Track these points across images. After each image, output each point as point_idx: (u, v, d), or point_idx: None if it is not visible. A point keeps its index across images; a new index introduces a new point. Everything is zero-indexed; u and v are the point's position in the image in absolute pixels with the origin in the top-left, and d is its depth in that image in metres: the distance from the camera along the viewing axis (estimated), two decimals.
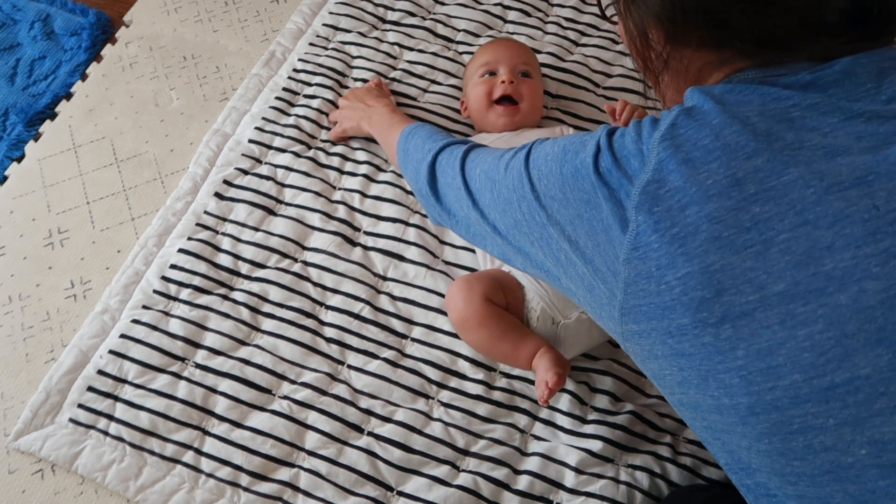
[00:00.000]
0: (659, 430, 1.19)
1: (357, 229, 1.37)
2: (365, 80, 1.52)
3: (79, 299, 1.35)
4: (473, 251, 1.33)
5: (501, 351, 1.16)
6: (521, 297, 1.17)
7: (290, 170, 1.42)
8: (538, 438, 1.18)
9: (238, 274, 1.32)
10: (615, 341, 1.20)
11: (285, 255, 1.33)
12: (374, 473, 1.15)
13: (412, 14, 1.63)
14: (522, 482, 1.15)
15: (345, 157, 1.43)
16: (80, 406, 1.21)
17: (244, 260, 1.33)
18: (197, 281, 1.30)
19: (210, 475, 1.16)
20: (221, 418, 1.19)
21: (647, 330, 0.72)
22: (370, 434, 1.18)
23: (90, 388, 1.22)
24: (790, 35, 0.71)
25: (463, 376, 1.23)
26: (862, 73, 0.70)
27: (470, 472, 1.15)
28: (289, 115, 1.49)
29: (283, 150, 1.44)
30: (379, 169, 1.42)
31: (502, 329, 1.15)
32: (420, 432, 1.18)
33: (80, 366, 1.24)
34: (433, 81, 1.54)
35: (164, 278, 1.31)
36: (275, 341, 1.25)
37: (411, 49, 1.58)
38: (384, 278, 1.32)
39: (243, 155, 1.44)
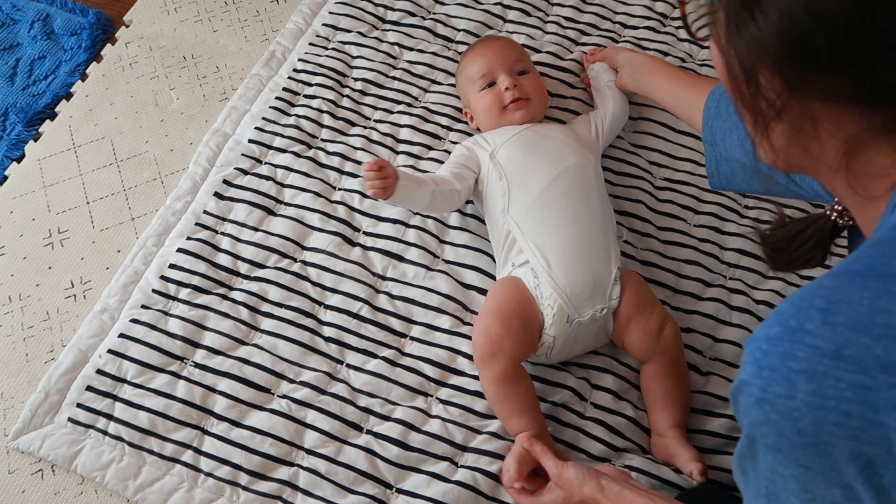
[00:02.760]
0: None
1: (356, 229, 1.36)
2: (366, 80, 1.52)
3: (79, 299, 1.35)
4: (475, 250, 1.32)
5: (497, 409, 1.17)
6: (537, 309, 1.16)
7: (290, 170, 1.42)
8: None
9: (237, 273, 1.32)
10: (615, 341, 1.21)
11: (284, 255, 1.33)
12: (373, 471, 1.15)
13: (412, 14, 1.63)
14: None
15: (345, 157, 1.43)
16: (80, 405, 1.21)
17: (243, 260, 1.33)
18: (196, 280, 1.30)
19: (209, 474, 1.16)
20: (220, 417, 1.19)
21: None
22: (369, 432, 1.18)
23: (89, 388, 1.22)
24: None
25: (462, 373, 1.23)
26: None
27: (468, 467, 1.14)
28: (289, 115, 1.49)
29: (283, 150, 1.44)
30: None
31: (509, 395, 1.14)
32: (418, 430, 1.18)
33: (79, 365, 1.24)
34: (433, 81, 1.54)
35: (164, 278, 1.31)
36: (274, 340, 1.25)
37: (411, 49, 1.58)
38: (383, 278, 1.32)
39: (243, 155, 1.44)
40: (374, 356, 1.24)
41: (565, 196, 1.22)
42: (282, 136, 1.45)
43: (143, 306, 1.29)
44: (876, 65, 0.56)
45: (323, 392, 1.21)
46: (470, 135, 1.44)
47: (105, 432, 1.19)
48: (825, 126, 0.61)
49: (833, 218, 0.78)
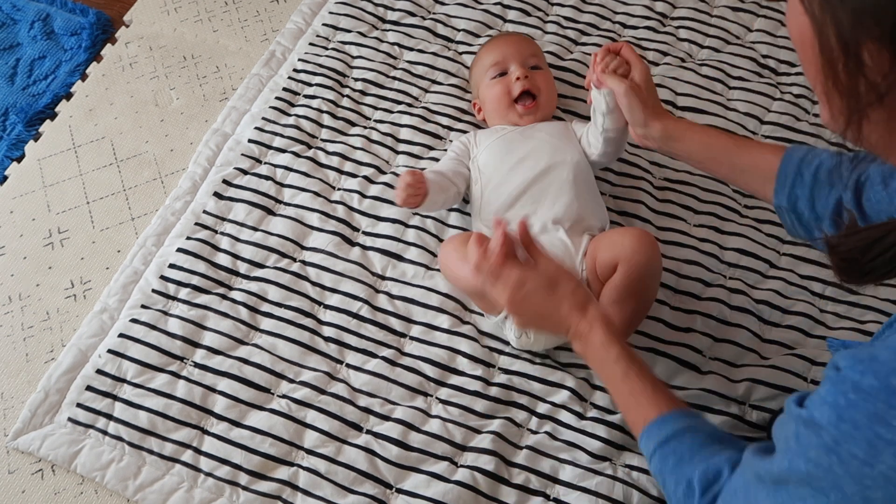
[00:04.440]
0: None
1: (356, 229, 1.36)
2: (366, 80, 1.52)
3: (79, 299, 1.35)
4: None
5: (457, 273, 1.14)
6: None
7: (290, 170, 1.42)
8: (535, 433, 1.18)
9: (237, 273, 1.32)
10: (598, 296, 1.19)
11: (284, 255, 1.33)
12: (372, 471, 1.15)
13: (412, 14, 1.63)
14: (520, 477, 1.15)
15: (344, 157, 1.43)
16: (79, 405, 1.21)
17: (243, 259, 1.33)
18: (196, 280, 1.30)
19: (209, 474, 1.16)
20: (220, 417, 1.19)
21: None
22: (369, 432, 1.18)
23: (89, 388, 1.22)
24: None
25: (461, 373, 1.22)
26: None
27: (468, 467, 1.14)
28: (289, 115, 1.49)
29: (282, 150, 1.44)
30: (379, 170, 1.42)
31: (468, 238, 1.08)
32: (418, 430, 1.18)
33: (78, 365, 1.24)
34: (433, 81, 1.54)
35: (163, 278, 1.31)
36: (273, 340, 1.25)
37: (411, 49, 1.58)
38: (382, 277, 1.32)
39: (243, 155, 1.44)
40: (374, 356, 1.24)
41: (536, 200, 1.23)
42: (281, 135, 1.45)
43: (143, 306, 1.29)
44: None
45: (323, 392, 1.21)
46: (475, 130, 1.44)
47: (105, 432, 1.19)
48: None
49: None
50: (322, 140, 1.46)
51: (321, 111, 1.49)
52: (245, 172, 1.42)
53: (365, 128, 1.48)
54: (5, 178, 1.49)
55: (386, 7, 1.64)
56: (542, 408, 1.20)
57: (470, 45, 1.58)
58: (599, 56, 1.19)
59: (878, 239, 0.65)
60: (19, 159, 1.51)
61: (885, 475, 0.50)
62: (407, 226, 1.36)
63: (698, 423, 0.85)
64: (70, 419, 1.20)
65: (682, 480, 0.78)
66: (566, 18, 1.62)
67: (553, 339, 1.22)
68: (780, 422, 0.63)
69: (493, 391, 1.21)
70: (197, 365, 1.23)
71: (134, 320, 1.27)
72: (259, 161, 1.43)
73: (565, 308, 0.92)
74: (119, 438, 1.18)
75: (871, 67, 0.52)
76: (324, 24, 1.62)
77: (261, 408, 1.20)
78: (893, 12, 0.49)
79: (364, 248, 1.34)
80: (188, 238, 1.34)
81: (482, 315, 1.28)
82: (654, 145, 1.16)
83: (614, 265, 1.13)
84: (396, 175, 1.41)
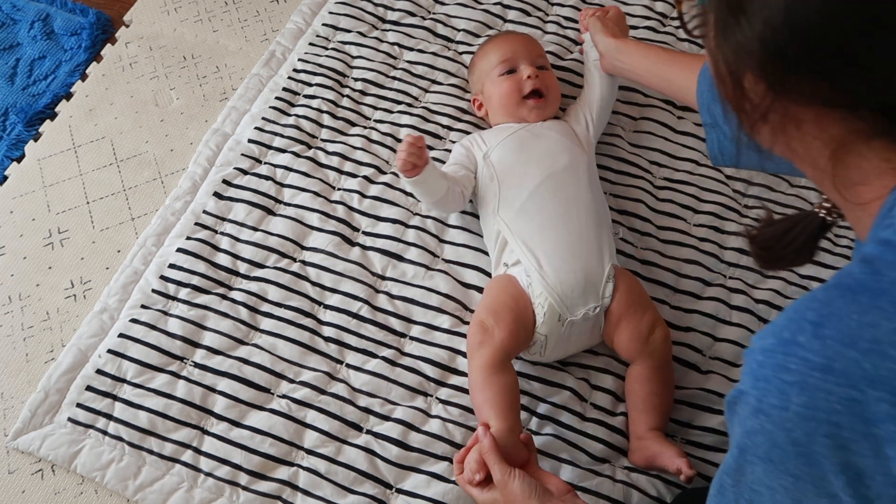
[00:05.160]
0: None
1: (356, 229, 1.36)
2: (366, 80, 1.52)
3: (79, 299, 1.35)
4: (475, 249, 1.32)
5: (475, 399, 1.13)
6: (530, 306, 1.16)
7: (290, 170, 1.42)
8: (535, 433, 1.18)
9: (237, 273, 1.32)
10: (605, 340, 1.20)
11: (284, 255, 1.33)
12: (372, 471, 1.15)
13: (412, 14, 1.63)
14: None
15: (344, 157, 1.43)
16: (79, 405, 1.21)
17: (243, 259, 1.33)
18: (196, 280, 1.30)
19: (209, 474, 1.16)
20: (220, 417, 1.19)
21: None
22: (369, 432, 1.18)
23: (89, 388, 1.22)
24: None
25: (462, 373, 1.22)
26: None
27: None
28: (289, 115, 1.49)
29: (282, 150, 1.44)
30: (379, 170, 1.42)
31: (489, 384, 1.10)
32: (418, 430, 1.18)
33: (78, 365, 1.24)
34: (433, 81, 1.54)
35: (163, 278, 1.31)
36: (273, 340, 1.25)
37: (411, 49, 1.58)
38: (382, 277, 1.32)
39: (243, 155, 1.44)
40: (374, 356, 1.24)
41: (555, 197, 1.23)
42: (281, 136, 1.45)
43: (143, 306, 1.29)
44: (851, 75, 0.57)
45: (323, 392, 1.21)
46: (470, 133, 1.44)
47: (105, 432, 1.19)
48: (809, 129, 0.62)
49: (822, 216, 0.79)
50: (322, 140, 1.46)
51: (321, 111, 1.49)
52: (245, 172, 1.42)
53: (365, 128, 1.48)
54: (5, 178, 1.49)
55: (386, 7, 1.64)
56: (542, 408, 1.20)
57: (470, 44, 1.58)
58: (584, 10, 1.49)
59: (788, 230, 0.80)
60: (19, 159, 1.51)
61: (798, 413, 0.56)
62: (407, 226, 1.36)
63: None
64: (70, 419, 1.20)
65: None
66: (566, 18, 1.62)
67: (563, 353, 1.22)
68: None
69: None
70: (197, 365, 1.23)
71: (134, 320, 1.27)
72: (259, 161, 1.43)
73: None
74: (119, 438, 1.18)
75: (752, 92, 0.62)
76: (324, 24, 1.62)
77: (261, 408, 1.20)
78: (760, 51, 0.59)
79: (364, 248, 1.34)
80: (188, 238, 1.34)
81: None
82: (610, 63, 1.35)
83: (636, 351, 1.17)
84: (397, 175, 1.41)
